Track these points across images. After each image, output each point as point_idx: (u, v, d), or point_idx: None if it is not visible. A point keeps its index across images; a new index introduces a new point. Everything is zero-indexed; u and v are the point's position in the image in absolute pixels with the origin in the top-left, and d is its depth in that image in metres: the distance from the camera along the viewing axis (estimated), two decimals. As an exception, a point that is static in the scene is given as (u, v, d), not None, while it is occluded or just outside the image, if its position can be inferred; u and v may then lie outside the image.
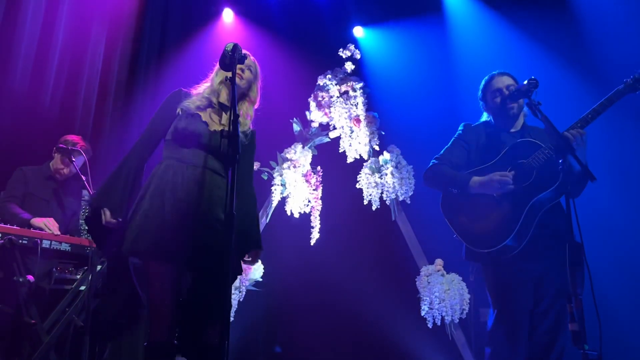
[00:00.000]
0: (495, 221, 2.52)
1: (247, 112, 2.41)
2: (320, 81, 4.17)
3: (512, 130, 2.71)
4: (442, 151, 2.81)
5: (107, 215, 2.12)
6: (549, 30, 4.55)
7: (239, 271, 2.33)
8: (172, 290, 2.11)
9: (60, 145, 3.59)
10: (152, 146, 2.31)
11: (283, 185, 3.96)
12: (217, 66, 2.39)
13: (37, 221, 3.29)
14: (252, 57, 2.44)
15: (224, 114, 2.36)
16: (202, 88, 2.41)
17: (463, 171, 2.70)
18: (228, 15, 5.57)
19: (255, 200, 2.44)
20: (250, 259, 2.38)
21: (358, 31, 5.51)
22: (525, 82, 2.45)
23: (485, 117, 2.84)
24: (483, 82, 2.80)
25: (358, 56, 4.21)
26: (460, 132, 2.83)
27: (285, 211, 3.92)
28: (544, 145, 2.50)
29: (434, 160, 2.78)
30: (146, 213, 2.12)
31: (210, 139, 2.25)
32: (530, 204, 2.45)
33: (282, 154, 4.06)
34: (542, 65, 4.46)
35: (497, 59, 4.57)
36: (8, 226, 3.02)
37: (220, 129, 2.28)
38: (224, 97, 2.38)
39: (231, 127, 1.96)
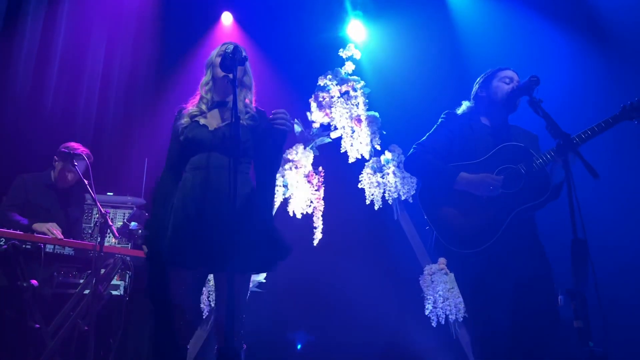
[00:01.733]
0: (475, 223, 2.46)
1: (246, 97, 2.41)
2: (321, 81, 4.17)
3: (499, 124, 2.66)
4: (424, 138, 2.70)
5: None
6: (558, 25, 4.52)
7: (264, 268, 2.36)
8: (195, 294, 2.26)
9: (62, 151, 3.58)
10: (178, 170, 2.35)
11: (285, 186, 3.96)
12: (205, 68, 2.43)
13: (39, 226, 3.29)
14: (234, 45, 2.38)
15: (221, 110, 2.37)
16: (198, 96, 2.43)
17: (446, 161, 2.60)
18: (227, 19, 5.61)
19: (269, 195, 2.42)
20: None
21: (358, 30, 5.50)
22: (527, 79, 2.44)
23: (466, 106, 2.74)
24: (490, 70, 2.71)
25: (358, 56, 4.21)
26: (443, 119, 2.73)
27: (288, 212, 3.92)
28: (536, 155, 2.47)
29: (415, 147, 2.68)
30: (173, 226, 2.19)
31: (213, 138, 2.27)
32: (515, 212, 2.41)
33: (284, 155, 4.06)
34: (548, 61, 4.46)
35: (502, 54, 4.56)
36: (11, 231, 3.02)
37: (222, 125, 2.30)
38: (216, 97, 2.39)
39: (232, 128, 1.97)
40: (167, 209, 2.24)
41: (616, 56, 4.21)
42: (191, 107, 2.38)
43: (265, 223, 2.28)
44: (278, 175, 3.98)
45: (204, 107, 2.36)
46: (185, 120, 2.32)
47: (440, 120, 2.75)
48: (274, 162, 2.39)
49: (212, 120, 2.34)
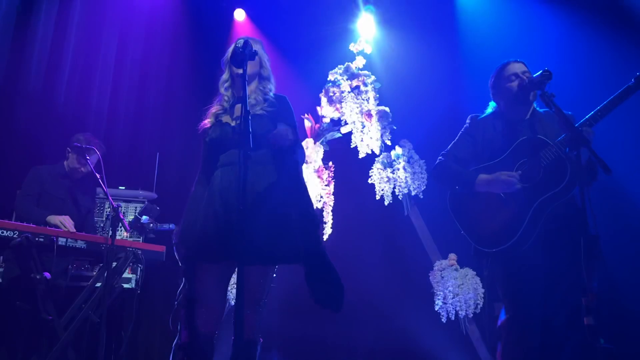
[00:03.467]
0: (500, 221, 2.49)
1: (266, 88, 2.42)
2: (332, 76, 4.16)
3: (524, 118, 2.65)
4: (448, 146, 2.77)
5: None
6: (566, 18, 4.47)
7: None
8: (220, 286, 2.28)
9: (75, 144, 3.62)
10: (210, 170, 2.34)
11: (295, 181, 3.95)
12: (224, 66, 2.44)
13: (53, 218, 3.33)
14: (255, 43, 2.38)
15: (239, 105, 2.37)
16: (219, 96, 2.44)
17: (471, 166, 2.67)
18: (240, 15, 5.65)
19: (301, 184, 2.37)
20: None
21: (369, 24, 5.50)
22: (539, 73, 2.42)
23: (491, 107, 2.76)
24: (495, 70, 2.72)
25: (369, 50, 4.19)
26: (467, 125, 2.77)
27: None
28: (552, 143, 2.45)
29: (440, 157, 2.75)
30: (199, 220, 2.20)
31: (237, 134, 2.28)
32: (537, 204, 2.42)
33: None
34: (556, 56, 4.41)
35: (511, 50, 4.52)
36: (24, 224, 3.06)
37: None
38: (237, 93, 2.40)
39: (242, 122, 1.98)
40: (198, 210, 2.24)
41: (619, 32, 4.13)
42: (214, 106, 2.40)
43: (295, 212, 2.25)
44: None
45: (225, 104, 2.38)
46: (209, 120, 2.34)
47: (464, 126, 2.80)
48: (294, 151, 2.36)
49: (233, 120, 2.35)
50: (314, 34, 5.31)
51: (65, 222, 3.33)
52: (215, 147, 2.31)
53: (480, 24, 4.97)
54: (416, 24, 5.09)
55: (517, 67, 2.63)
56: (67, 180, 3.70)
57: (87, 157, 3.52)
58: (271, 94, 2.44)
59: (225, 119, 2.34)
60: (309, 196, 2.38)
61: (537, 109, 2.68)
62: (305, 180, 3.89)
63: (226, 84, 2.40)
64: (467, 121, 2.79)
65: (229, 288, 3.78)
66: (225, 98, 2.39)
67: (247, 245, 2.07)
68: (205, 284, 2.21)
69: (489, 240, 2.51)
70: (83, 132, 3.74)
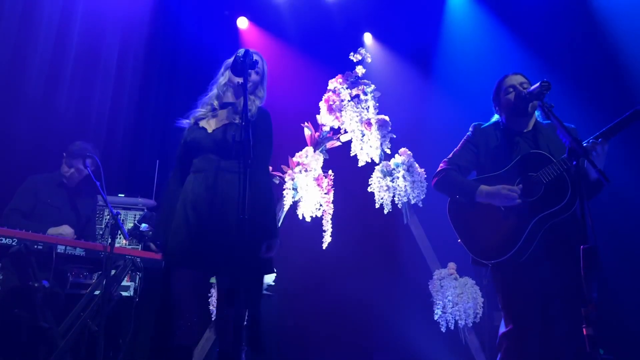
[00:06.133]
0: (498, 234, 2.50)
1: (254, 104, 2.44)
2: (331, 85, 4.17)
3: (525, 130, 2.66)
4: (451, 154, 2.77)
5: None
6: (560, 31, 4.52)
7: (267, 270, 2.36)
8: (193, 294, 2.25)
9: (68, 149, 3.63)
10: (184, 171, 2.43)
11: (295, 189, 3.96)
12: (222, 69, 2.46)
13: (52, 231, 3.32)
14: (258, 57, 2.45)
15: (224, 111, 2.42)
16: (207, 97, 2.48)
17: (473, 175, 2.68)
18: (243, 23, 5.69)
19: (266, 187, 2.39)
20: (266, 250, 2.30)
21: (368, 36, 5.56)
22: (537, 84, 2.43)
23: (495, 118, 2.78)
24: (496, 82, 2.75)
25: (369, 60, 4.20)
26: (469, 134, 2.78)
27: (297, 215, 3.92)
28: (555, 160, 2.46)
29: (442, 165, 2.75)
30: (173, 228, 2.28)
31: (210, 141, 2.31)
32: (535, 220, 2.43)
33: (294, 157, 4.06)
34: (557, 63, 4.45)
35: (509, 59, 4.56)
36: (23, 232, 3.05)
37: (219, 126, 2.36)
38: (228, 98, 2.45)
39: (242, 133, 1.99)
40: (172, 209, 2.32)
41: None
42: (200, 108, 2.45)
43: (261, 224, 2.23)
44: (288, 178, 3.99)
45: (215, 103, 2.42)
46: (189, 121, 2.43)
47: (467, 134, 2.81)
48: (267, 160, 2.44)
49: (213, 122, 2.40)
50: (314, 42, 5.33)
51: (64, 232, 3.32)
52: (191, 150, 2.38)
53: (479, 33, 5.01)
54: (415, 33, 5.13)
55: (515, 79, 2.65)
56: (65, 188, 3.69)
57: (86, 164, 3.52)
58: (257, 102, 2.44)
59: (203, 123, 2.39)
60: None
61: (540, 120, 2.69)
62: (305, 188, 3.91)
63: (224, 88, 2.44)
64: (470, 129, 2.80)
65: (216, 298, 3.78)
66: (215, 101, 2.43)
67: (217, 255, 2.10)
68: (179, 292, 2.21)
69: (486, 253, 2.52)
70: (79, 140, 3.74)
